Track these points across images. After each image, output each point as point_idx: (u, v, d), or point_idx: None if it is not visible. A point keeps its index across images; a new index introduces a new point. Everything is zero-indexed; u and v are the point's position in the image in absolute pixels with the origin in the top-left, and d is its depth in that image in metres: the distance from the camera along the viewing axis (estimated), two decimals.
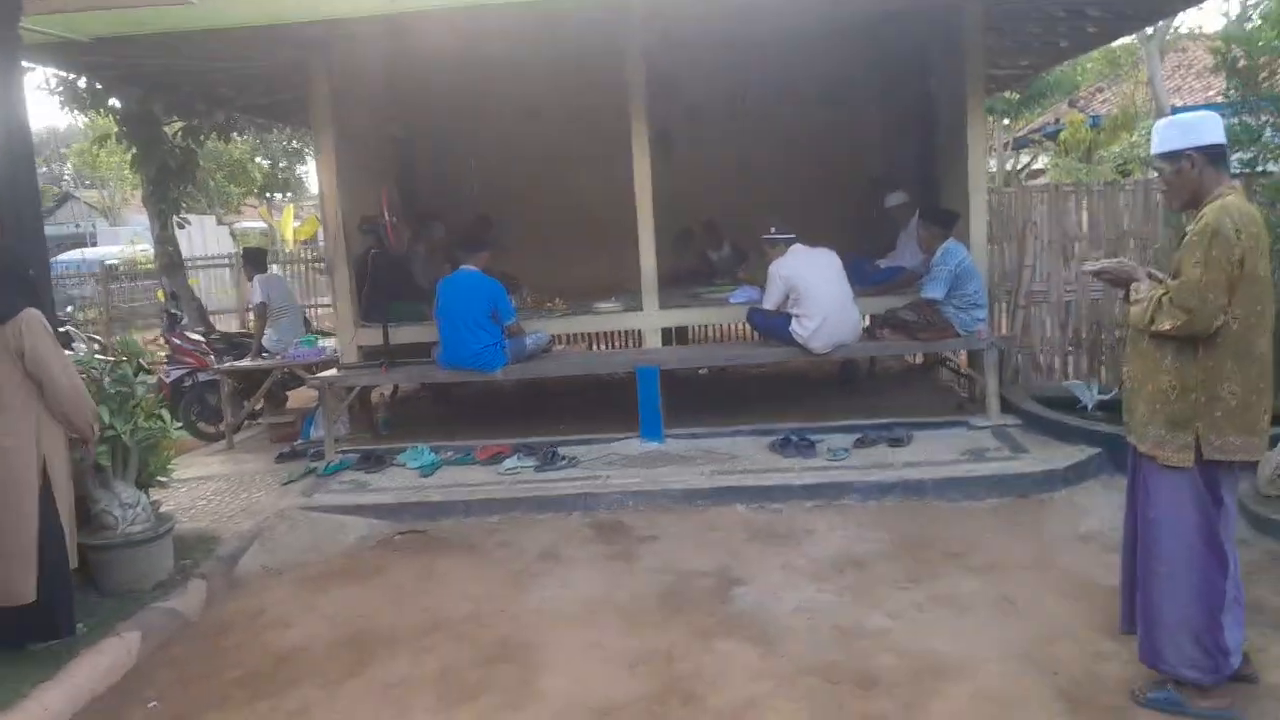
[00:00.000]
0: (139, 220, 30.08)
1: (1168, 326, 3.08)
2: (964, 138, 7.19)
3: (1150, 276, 3.29)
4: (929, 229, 6.71)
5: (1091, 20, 8.08)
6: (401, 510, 5.81)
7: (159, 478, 5.04)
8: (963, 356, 7.59)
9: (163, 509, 5.14)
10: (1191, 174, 3.15)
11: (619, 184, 7.40)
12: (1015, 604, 4.24)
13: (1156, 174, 3.32)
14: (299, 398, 8.94)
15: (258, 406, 8.27)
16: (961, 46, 7.06)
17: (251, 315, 9.05)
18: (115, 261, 19.23)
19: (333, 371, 7.27)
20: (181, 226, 11.73)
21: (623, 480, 5.92)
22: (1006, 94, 17.99)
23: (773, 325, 6.68)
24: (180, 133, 10.69)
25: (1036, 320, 7.33)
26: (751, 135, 10.87)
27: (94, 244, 29.10)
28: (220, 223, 28.46)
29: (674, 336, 9.30)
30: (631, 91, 7.26)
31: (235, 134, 13.51)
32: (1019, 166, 21.56)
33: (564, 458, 6.36)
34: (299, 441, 7.40)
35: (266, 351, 8.41)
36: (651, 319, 7.38)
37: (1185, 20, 33.15)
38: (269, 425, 8.23)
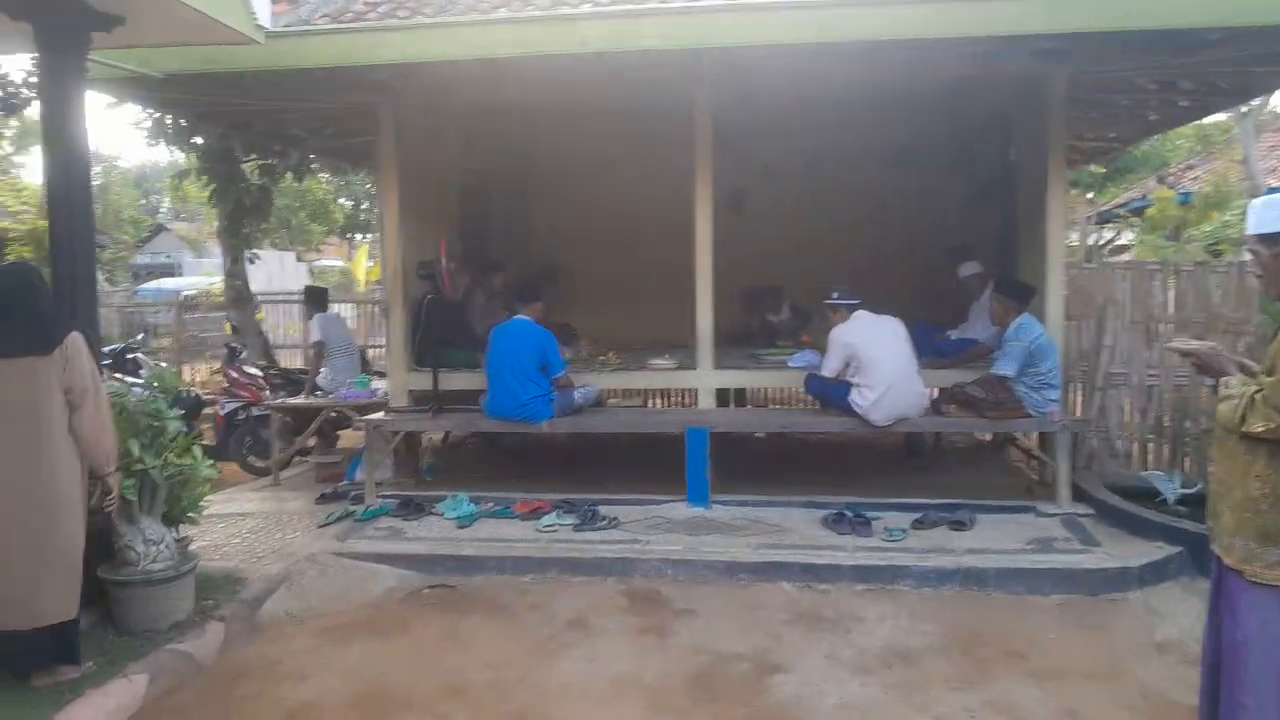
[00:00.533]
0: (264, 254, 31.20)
1: (1260, 428, 2.75)
2: (1044, 209, 6.87)
3: (1243, 369, 2.96)
4: (1003, 302, 6.38)
5: (1183, 94, 7.74)
6: (434, 562, 5.63)
7: (190, 514, 4.94)
8: (1034, 437, 7.18)
9: (192, 546, 5.03)
10: None
11: (686, 240, 7.23)
12: (1079, 719, 3.85)
13: (1251, 255, 3.00)
14: (349, 438, 8.89)
15: (308, 444, 8.23)
16: (1044, 115, 6.79)
17: (310, 353, 9.06)
18: (192, 292, 19.74)
19: (380, 414, 7.18)
20: (251, 262, 11.97)
21: (664, 546, 5.65)
22: (1092, 167, 17.52)
23: (831, 393, 6.39)
24: (257, 171, 10.99)
25: (1114, 404, 6.90)
26: (825, 197, 10.69)
27: (180, 274, 30.15)
28: (300, 259, 29.23)
29: (731, 398, 9.08)
30: (698, 146, 7.13)
31: (317, 174, 13.77)
32: (1102, 242, 20.93)
33: (604, 518, 6.13)
34: (343, 483, 7.30)
35: (320, 390, 8.40)
36: (706, 379, 7.15)
37: None
38: (316, 464, 8.17)
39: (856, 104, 10.00)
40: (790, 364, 7.29)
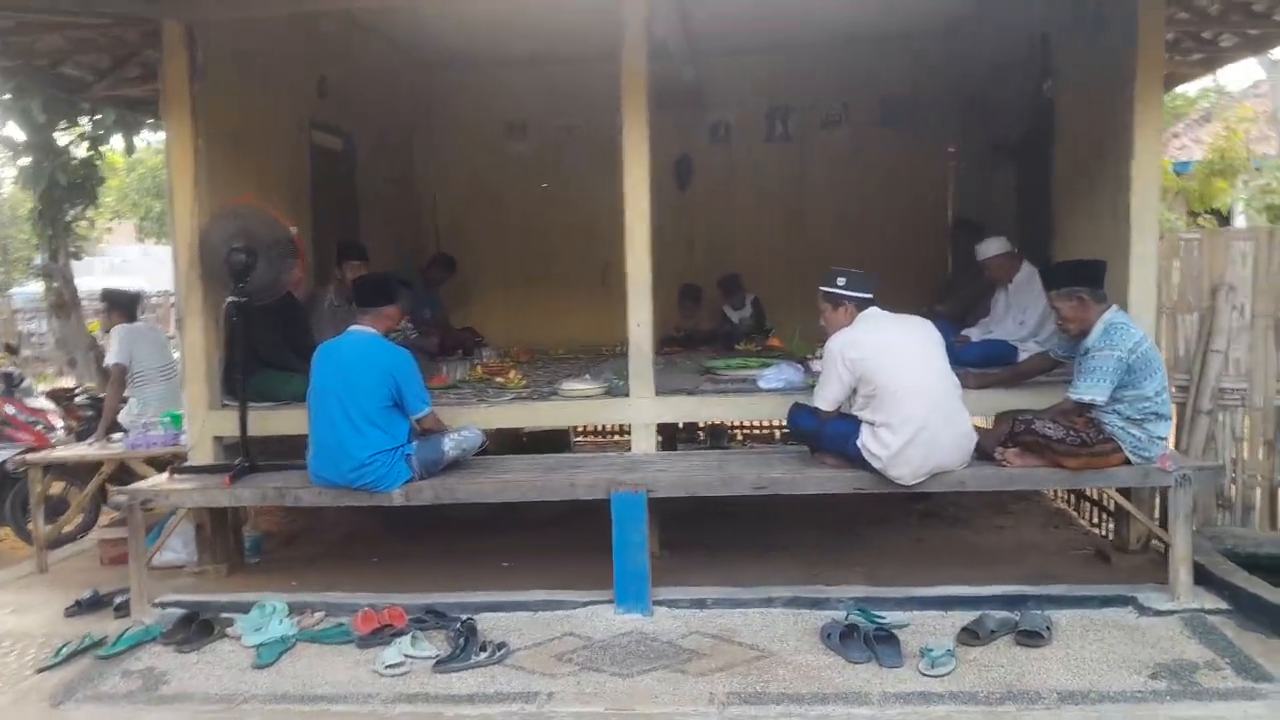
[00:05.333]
0: (119, 251, 28.12)
1: None
2: (1120, 152, 4.79)
3: None
4: (1080, 297, 4.18)
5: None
6: None
7: None
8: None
9: None
10: None
11: (619, 218, 5.05)
12: None
13: None
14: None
15: (73, 520, 5.90)
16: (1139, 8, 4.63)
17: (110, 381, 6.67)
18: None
19: (152, 481, 4.87)
20: (77, 258, 9.55)
21: (573, 707, 3.44)
22: None
23: (830, 435, 4.23)
24: (83, 142, 8.60)
25: (1226, 432, 4.84)
26: (794, 164, 8.62)
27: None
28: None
29: (679, 427, 6.95)
30: (629, 95, 4.91)
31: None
32: None
33: (485, 645, 3.90)
34: (99, 592, 4.89)
35: (123, 431, 6.08)
36: (642, 410, 4.96)
37: None
38: (100, 541, 5.83)
39: (833, 43, 7.95)
40: (762, 384, 5.12)
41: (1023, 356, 5.74)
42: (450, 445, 4.43)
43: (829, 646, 3.83)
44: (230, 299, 4.71)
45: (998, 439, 4.21)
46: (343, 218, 7.18)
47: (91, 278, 23.71)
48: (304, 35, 6.18)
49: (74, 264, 9.41)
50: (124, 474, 5.77)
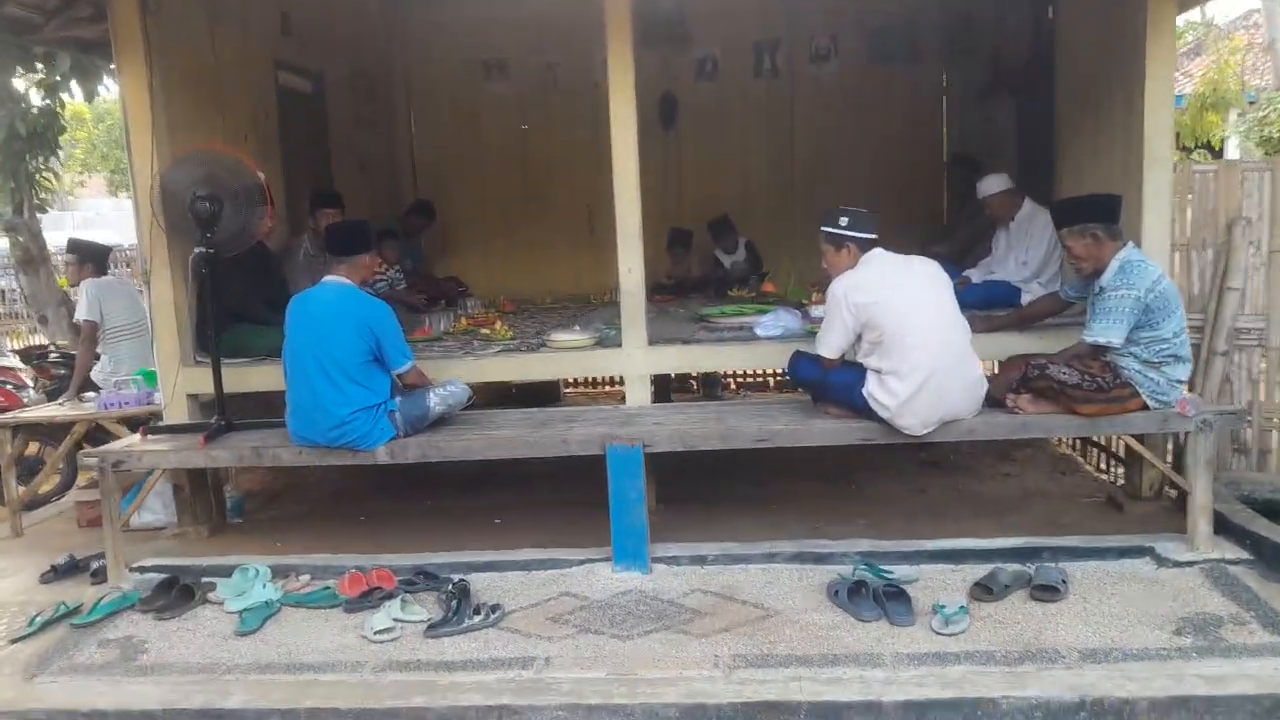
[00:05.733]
0: (91, 205, 27.48)
1: None
2: (1131, 79, 4.56)
3: None
4: (1095, 235, 3.97)
5: None
6: None
7: None
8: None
9: None
10: None
11: (605, 161, 4.78)
12: None
13: None
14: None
15: (49, 480, 5.68)
16: None
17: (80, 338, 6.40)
18: None
19: (124, 442, 4.64)
20: (43, 211, 9.17)
21: (573, 675, 3.28)
22: None
23: (834, 385, 4.04)
24: (41, 89, 8.20)
25: (1242, 374, 4.68)
26: (783, 101, 8.34)
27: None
28: None
29: (672, 376, 6.77)
30: (612, 26, 4.59)
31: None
32: None
33: (479, 607, 3.73)
34: (76, 557, 4.69)
35: (95, 388, 5.84)
36: (635, 360, 4.75)
37: None
38: (77, 502, 5.61)
39: None
40: (760, 332, 4.91)
41: (1026, 298, 5.58)
42: (435, 401, 4.22)
43: (836, 604, 3.68)
44: (197, 250, 4.43)
45: (1008, 384, 4.03)
46: (315, 164, 6.86)
47: (62, 232, 23.18)
48: None
49: (45, 218, 9.05)
50: (99, 433, 5.56)
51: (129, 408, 5.27)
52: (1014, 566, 3.85)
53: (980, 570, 3.87)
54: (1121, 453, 4.95)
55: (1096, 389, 3.84)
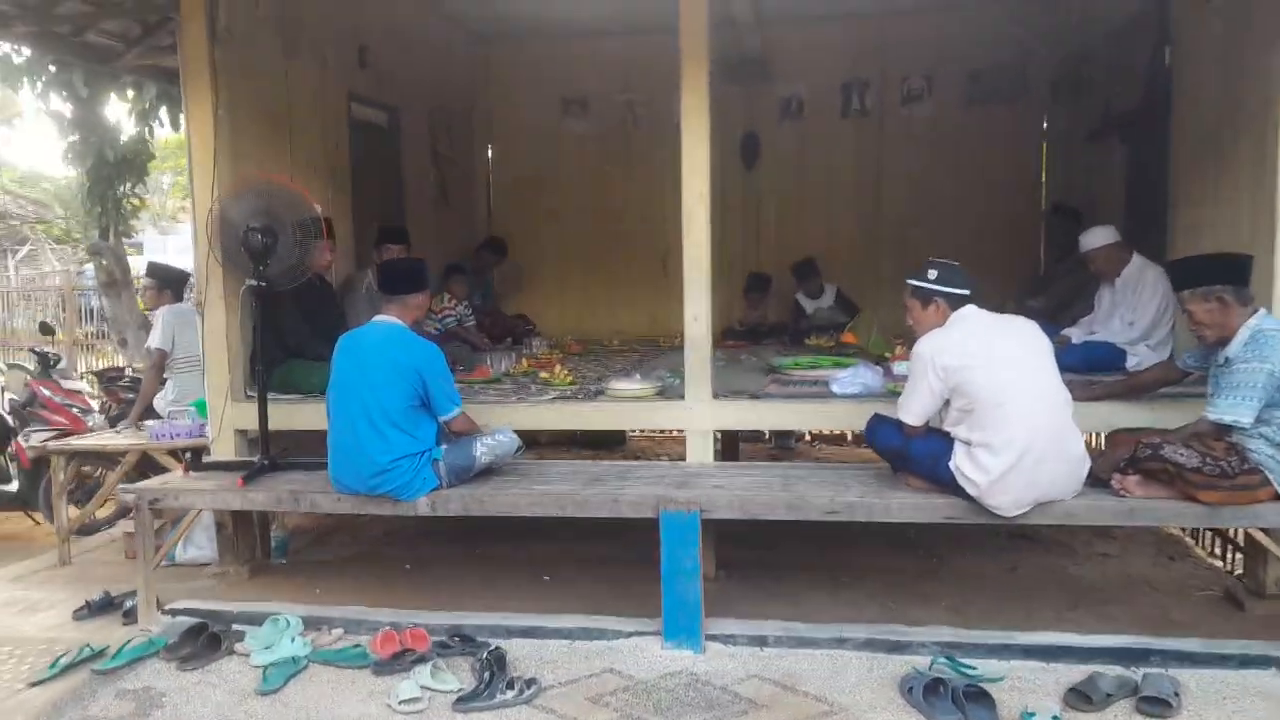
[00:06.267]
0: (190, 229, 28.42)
1: None
2: (1261, 126, 4.11)
3: None
4: (1207, 296, 3.50)
5: None
6: None
7: None
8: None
9: None
10: None
11: (678, 204, 4.53)
12: None
13: None
14: None
15: (102, 506, 5.59)
16: None
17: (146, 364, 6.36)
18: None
19: (164, 478, 4.50)
20: (128, 236, 9.34)
21: None
22: None
23: (917, 456, 3.65)
24: (131, 116, 8.35)
25: None
26: (871, 143, 8.00)
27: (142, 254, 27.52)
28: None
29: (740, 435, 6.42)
30: (688, 61, 4.34)
31: None
32: None
33: (513, 681, 3.42)
34: (111, 594, 4.54)
35: (158, 417, 5.78)
36: (697, 415, 4.42)
37: None
38: (125, 533, 5.51)
39: (916, 7, 7.29)
40: (836, 389, 4.54)
41: (1132, 362, 5.11)
42: (482, 450, 3.96)
43: (910, 703, 3.26)
44: (249, 282, 4.29)
45: (1114, 463, 3.58)
46: (386, 198, 6.76)
47: (166, 256, 23.97)
48: (342, 1, 5.77)
49: (147, 242, 9.22)
50: (150, 464, 5.48)
51: (179, 439, 5.15)
52: (1117, 671, 3.39)
53: (1077, 672, 3.41)
54: (1240, 540, 4.41)
55: (1220, 474, 3.37)
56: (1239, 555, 4.57)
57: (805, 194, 8.04)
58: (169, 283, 6.15)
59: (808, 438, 7.92)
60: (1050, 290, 6.39)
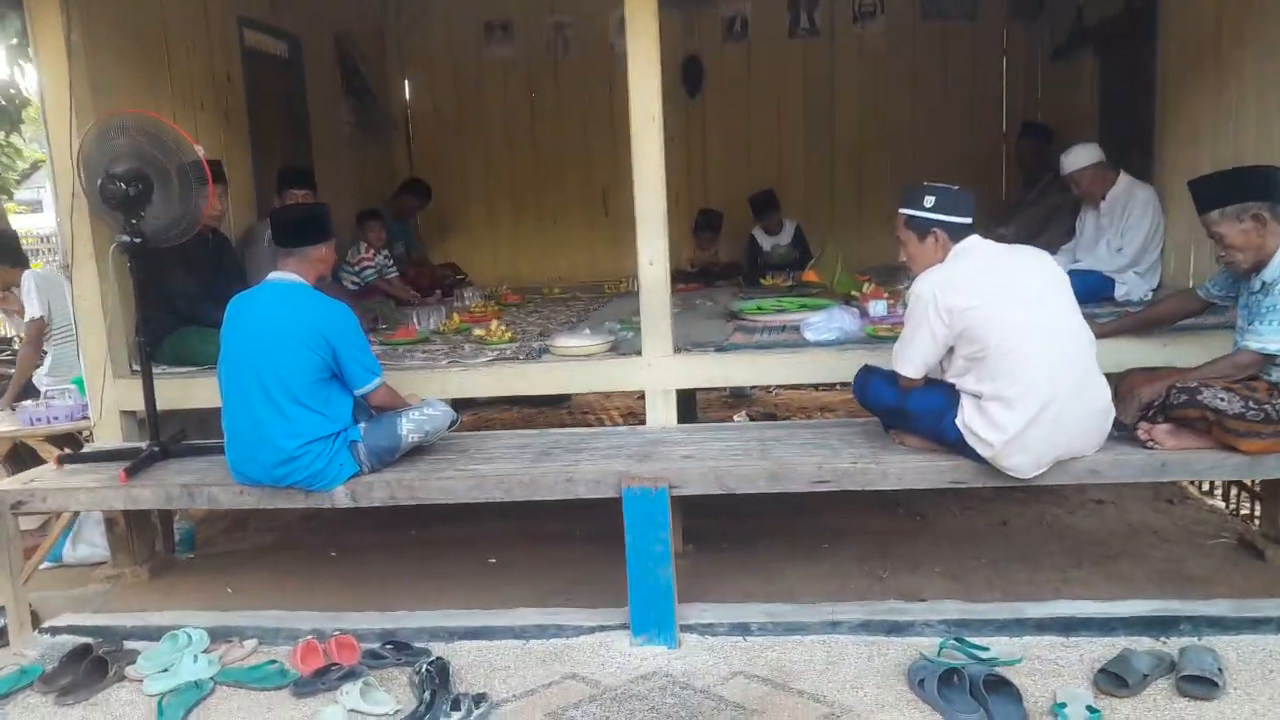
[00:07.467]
0: None
1: None
2: (1268, 25, 3.67)
3: None
4: (1240, 214, 3.05)
5: None
6: None
7: None
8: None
9: None
10: None
11: (622, 134, 3.92)
12: None
13: None
14: None
15: None
16: None
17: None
18: None
19: (30, 474, 3.82)
20: (7, 193, 8.40)
21: None
22: None
23: (917, 413, 3.15)
24: None
25: None
26: (822, 64, 7.46)
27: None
28: None
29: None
30: None
31: None
32: None
33: (458, 699, 2.89)
34: None
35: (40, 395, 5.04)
36: (657, 373, 3.88)
37: None
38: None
39: None
40: (810, 335, 4.04)
41: (1120, 291, 4.74)
42: (409, 427, 3.38)
43: (923, 697, 2.82)
44: (119, 238, 3.60)
45: (1139, 409, 3.14)
46: (291, 137, 6.02)
47: (43, 215, 22.44)
48: None
49: (41, 199, 8.31)
50: (29, 452, 4.77)
51: (58, 424, 4.44)
52: (1148, 644, 3.00)
53: (1101, 647, 3.01)
54: (1257, 484, 4.06)
55: (1264, 419, 2.95)
56: (1243, 495, 4.24)
57: (753, 122, 7.48)
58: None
59: (771, 388, 7.46)
60: (1019, 217, 5.97)
